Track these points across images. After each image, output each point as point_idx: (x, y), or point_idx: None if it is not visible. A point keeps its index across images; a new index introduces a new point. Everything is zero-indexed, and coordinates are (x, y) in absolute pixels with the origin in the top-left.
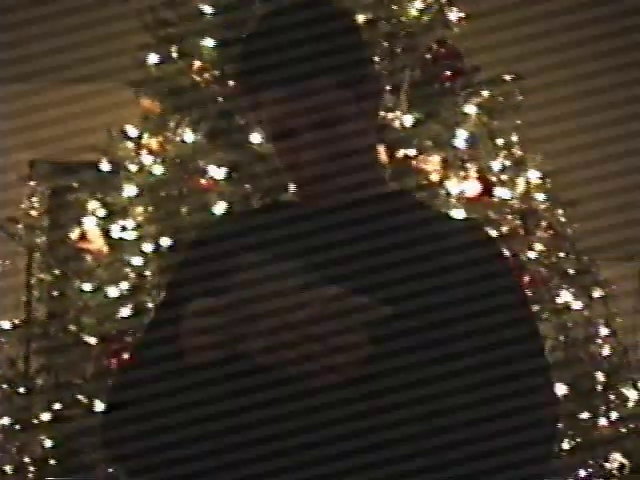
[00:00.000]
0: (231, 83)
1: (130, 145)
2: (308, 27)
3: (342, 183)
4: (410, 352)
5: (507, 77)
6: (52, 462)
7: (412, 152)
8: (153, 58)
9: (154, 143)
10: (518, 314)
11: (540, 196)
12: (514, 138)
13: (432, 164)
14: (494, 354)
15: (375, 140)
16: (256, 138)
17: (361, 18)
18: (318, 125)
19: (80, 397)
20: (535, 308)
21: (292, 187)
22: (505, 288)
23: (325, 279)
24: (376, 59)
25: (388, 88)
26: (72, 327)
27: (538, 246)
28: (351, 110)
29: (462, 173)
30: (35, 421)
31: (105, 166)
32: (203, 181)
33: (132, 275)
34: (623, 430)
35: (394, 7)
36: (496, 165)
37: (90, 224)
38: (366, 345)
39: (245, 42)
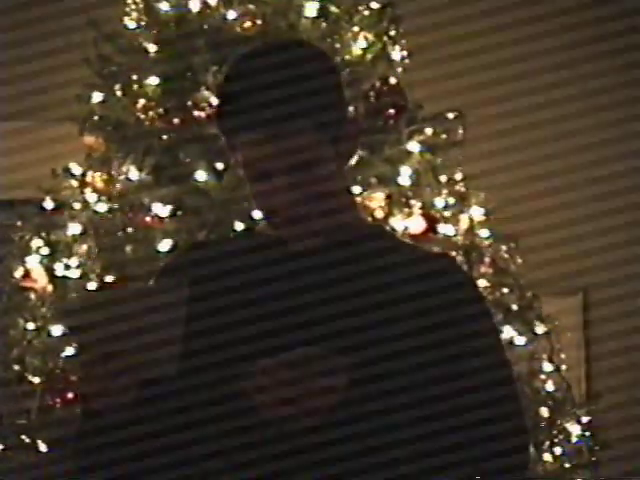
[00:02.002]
0: (175, 120)
1: (74, 183)
2: (284, 69)
3: (318, 226)
4: (383, 396)
5: (450, 114)
6: None
7: (357, 189)
8: (97, 96)
9: (98, 180)
10: (495, 357)
11: (483, 232)
12: (457, 175)
13: (376, 201)
14: (464, 388)
15: (349, 182)
16: (201, 175)
17: None
18: (294, 167)
19: (23, 437)
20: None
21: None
22: (488, 347)
23: (308, 326)
24: None
25: None
26: (16, 366)
27: (482, 282)
28: (327, 152)
29: (406, 210)
30: None
31: (49, 204)
32: (148, 218)
33: None
34: (567, 465)
35: (337, 45)
36: (440, 202)
37: (34, 262)
38: (336, 391)
39: (221, 84)
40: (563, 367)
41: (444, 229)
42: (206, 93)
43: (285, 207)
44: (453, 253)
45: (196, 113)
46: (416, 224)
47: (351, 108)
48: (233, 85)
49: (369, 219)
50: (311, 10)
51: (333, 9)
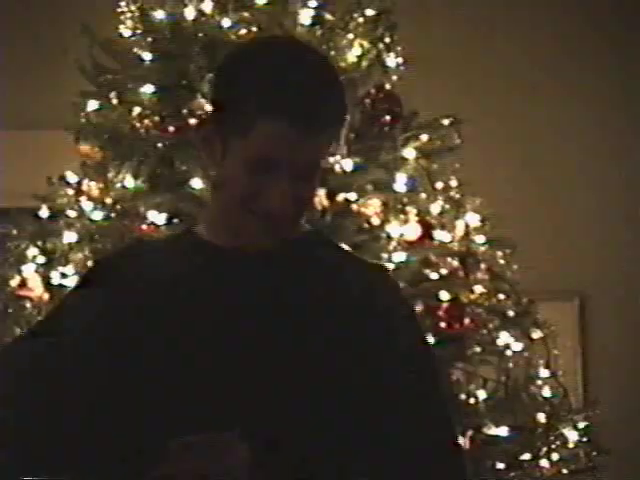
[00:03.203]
0: (171, 128)
1: (70, 191)
2: (328, 73)
3: (287, 231)
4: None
5: (445, 121)
6: None
7: (352, 196)
8: (92, 104)
9: (94, 189)
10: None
11: (479, 238)
12: (453, 182)
13: (372, 207)
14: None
15: None
16: (197, 183)
17: None
18: (303, 173)
19: None
20: (476, 350)
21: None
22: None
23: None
24: None
25: None
26: None
27: (478, 288)
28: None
29: (402, 216)
30: None
31: (44, 212)
32: (144, 227)
33: None
34: (564, 471)
35: (332, 53)
36: (435, 208)
37: (30, 271)
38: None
39: (270, 67)
40: (560, 372)
41: (440, 235)
42: (202, 101)
43: (282, 209)
44: (449, 259)
45: (192, 121)
46: (412, 230)
47: (347, 115)
48: (285, 72)
49: (365, 226)
50: (306, 17)
51: (328, 16)
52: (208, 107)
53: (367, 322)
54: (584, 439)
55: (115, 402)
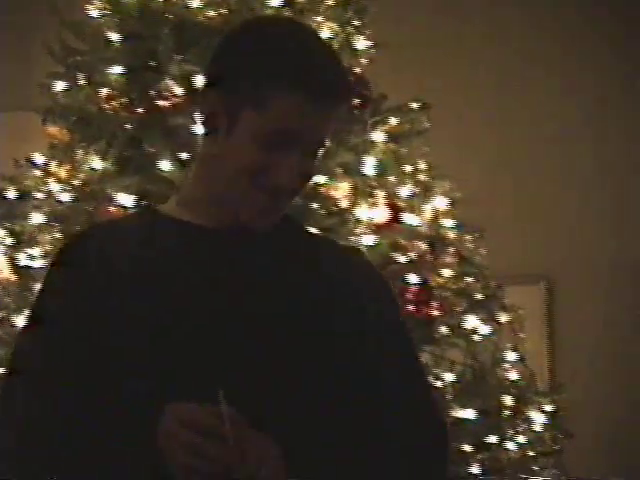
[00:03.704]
0: (139, 110)
1: (37, 173)
2: (334, 51)
3: (286, 209)
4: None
5: (414, 105)
6: None
7: (321, 179)
8: (60, 85)
9: (62, 171)
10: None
11: (448, 222)
12: (422, 165)
13: (341, 191)
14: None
15: None
16: (165, 165)
17: None
18: (311, 150)
19: None
20: (444, 333)
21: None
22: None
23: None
24: None
25: None
26: None
27: (446, 272)
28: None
29: (371, 200)
30: None
31: (12, 194)
32: (112, 208)
33: None
34: (530, 454)
35: None
36: (404, 192)
37: None
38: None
39: (286, 42)
40: (526, 356)
41: (408, 219)
42: (170, 82)
43: (291, 185)
44: (418, 243)
45: (160, 102)
46: (380, 214)
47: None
48: (311, 49)
49: (333, 209)
50: (275, 0)
51: None
52: (176, 89)
53: (352, 302)
54: (550, 422)
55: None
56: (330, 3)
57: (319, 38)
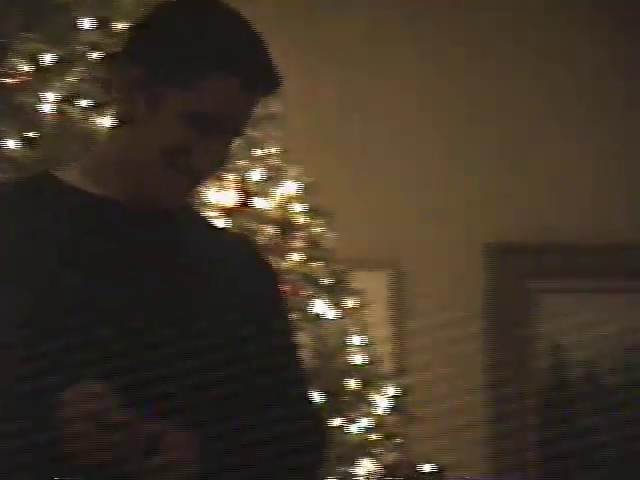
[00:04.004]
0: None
1: None
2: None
3: (189, 194)
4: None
5: None
6: None
7: None
8: None
9: None
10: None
11: (298, 206)
12: (273, 149)
13: None
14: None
15: None
16: (11, 144)
17: (120, 26)
18: (229, 139)
19: None
20: (292, 317)
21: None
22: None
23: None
24: None
25: None
26: None
27: (295, 256)
28: None
29: (221, 183)
30: None
31: None
32: None
33: None
34: (373, 437)
35: None
36: (255, 175)
37: None
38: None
39: (219, 22)
40: (372, 341)
41: (259, 203)
42: (15, 60)
43: (210, 167)
44: (268, 227)
45: (6, 80)
46: (230, 197)
47: None
48: (234, 26)
49: None
50: None
51: None
52: (24, 66)
53: (245, 282)
54: (393, 406)
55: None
56: None
57: (248, 23)
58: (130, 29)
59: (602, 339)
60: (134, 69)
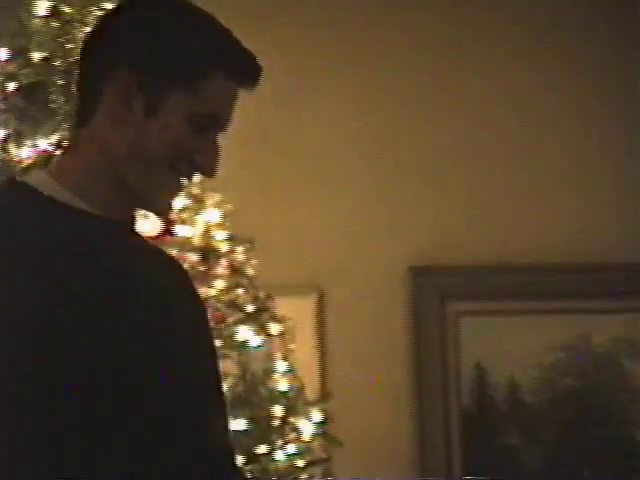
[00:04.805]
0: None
1: None
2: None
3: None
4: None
5: None
6: None
7: None
8: None
9: None
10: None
11: (220, 234)
12: (194, 178)
13: None
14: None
15: None
16: None
17: (37, 56)
18: (221, 132)
19: None
20: (216, 345)
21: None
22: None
23: None
24: (53, 97)
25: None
26: None
27: (219, 283)
28: None
29: (142, 211)
30: None
31: None
32: None
33: None
34: (300, 463)
35: (69, 45)
36: (176, 204)
37: None
38: None
39: (213, 24)
40: (297, 367)
41: (181, 230)
42: None
43: (212, 172)
44: (191, 255)
45: None
46: (153, 225)
47: None
48: (224, 28)
49: None
50: (42, 9)
51: (66, 9)
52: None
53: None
54: (319, 431)
55: None
56: (98, 13)
57: (215, 18)
58: (114, 34)
59: (523, 359)
60: (126, 73)
